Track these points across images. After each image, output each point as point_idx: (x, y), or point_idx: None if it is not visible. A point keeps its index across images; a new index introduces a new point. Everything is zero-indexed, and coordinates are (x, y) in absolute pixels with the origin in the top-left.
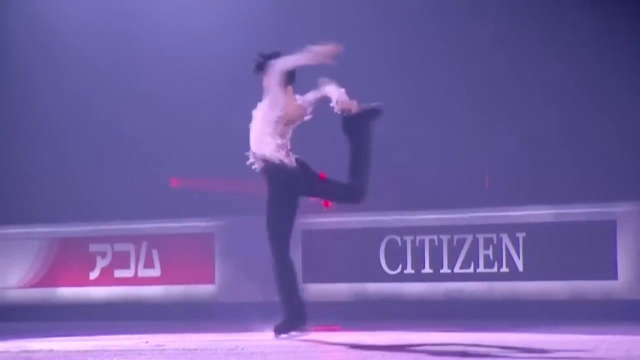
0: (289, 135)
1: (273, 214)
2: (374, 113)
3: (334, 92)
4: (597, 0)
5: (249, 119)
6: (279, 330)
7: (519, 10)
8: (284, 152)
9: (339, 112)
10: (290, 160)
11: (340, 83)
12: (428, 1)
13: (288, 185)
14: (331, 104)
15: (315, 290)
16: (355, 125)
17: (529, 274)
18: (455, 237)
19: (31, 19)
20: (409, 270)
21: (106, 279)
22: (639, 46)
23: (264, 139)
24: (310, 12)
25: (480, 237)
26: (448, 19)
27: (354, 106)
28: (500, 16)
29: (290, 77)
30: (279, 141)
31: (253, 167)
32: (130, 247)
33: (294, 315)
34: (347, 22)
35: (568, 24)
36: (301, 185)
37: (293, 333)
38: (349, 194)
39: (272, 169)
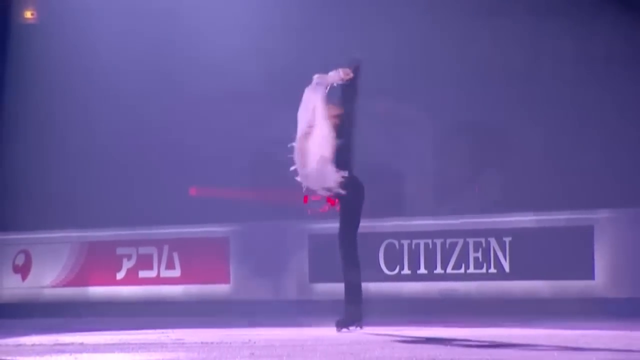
0: None
1: (354, 225)
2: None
3: (334, 76)
4: (585, 19)
5: (264, 133)
6: (340, 325)
7: (508, 27)
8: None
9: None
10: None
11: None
12: (429, 15)
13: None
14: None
15: (321, 289)
16: (352, 89)
17: (515, 274)
18: (448, 241)
19: (66, 34)
20: (406, 271)
21: (131, 279)
22: (622, 61)
23: (328, 170)
24: (329, 31)
25: (471, 241)
26: (445, 32)
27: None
28: (491, 32)
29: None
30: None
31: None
32: (153, 250)
33: (355, 313)
34: (356, 27)
35: (555, 41)
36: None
37: (352, 328)
38: None
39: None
